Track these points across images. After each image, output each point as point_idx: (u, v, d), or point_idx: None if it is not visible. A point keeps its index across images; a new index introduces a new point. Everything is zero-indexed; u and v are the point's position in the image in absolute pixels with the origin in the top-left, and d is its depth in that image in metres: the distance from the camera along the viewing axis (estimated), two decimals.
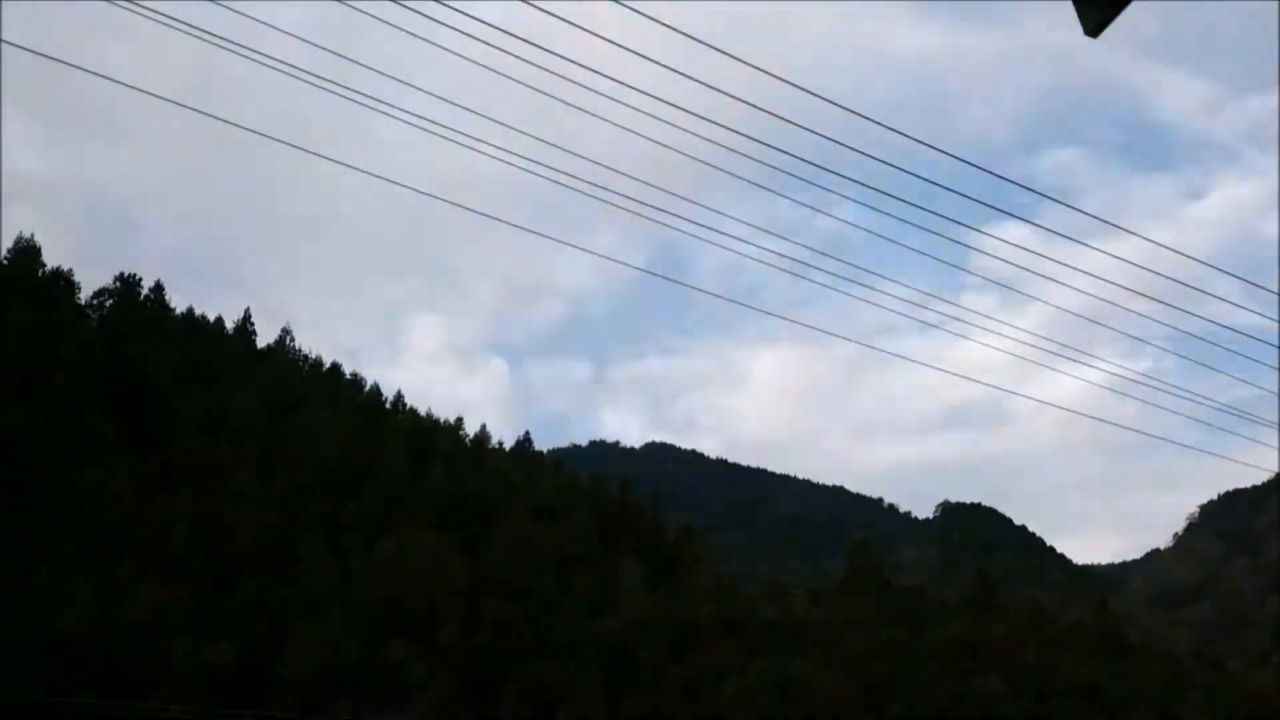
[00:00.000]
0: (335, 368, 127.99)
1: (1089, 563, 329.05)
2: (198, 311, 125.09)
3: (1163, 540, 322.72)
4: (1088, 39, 7.51)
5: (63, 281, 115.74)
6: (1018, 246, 16.25)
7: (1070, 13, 7.39)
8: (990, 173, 15.26)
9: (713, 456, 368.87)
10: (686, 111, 13.95)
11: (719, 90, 12.74)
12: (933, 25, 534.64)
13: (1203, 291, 16.92)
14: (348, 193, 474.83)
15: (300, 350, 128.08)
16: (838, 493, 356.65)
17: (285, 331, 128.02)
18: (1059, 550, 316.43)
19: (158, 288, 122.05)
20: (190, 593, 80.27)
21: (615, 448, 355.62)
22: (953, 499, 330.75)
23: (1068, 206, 15.78)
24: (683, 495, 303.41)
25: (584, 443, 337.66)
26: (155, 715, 67.55)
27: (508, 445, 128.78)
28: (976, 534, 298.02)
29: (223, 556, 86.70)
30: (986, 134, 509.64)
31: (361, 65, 14.40)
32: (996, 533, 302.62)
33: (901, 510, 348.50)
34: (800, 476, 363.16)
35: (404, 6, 12.22)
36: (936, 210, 15.57)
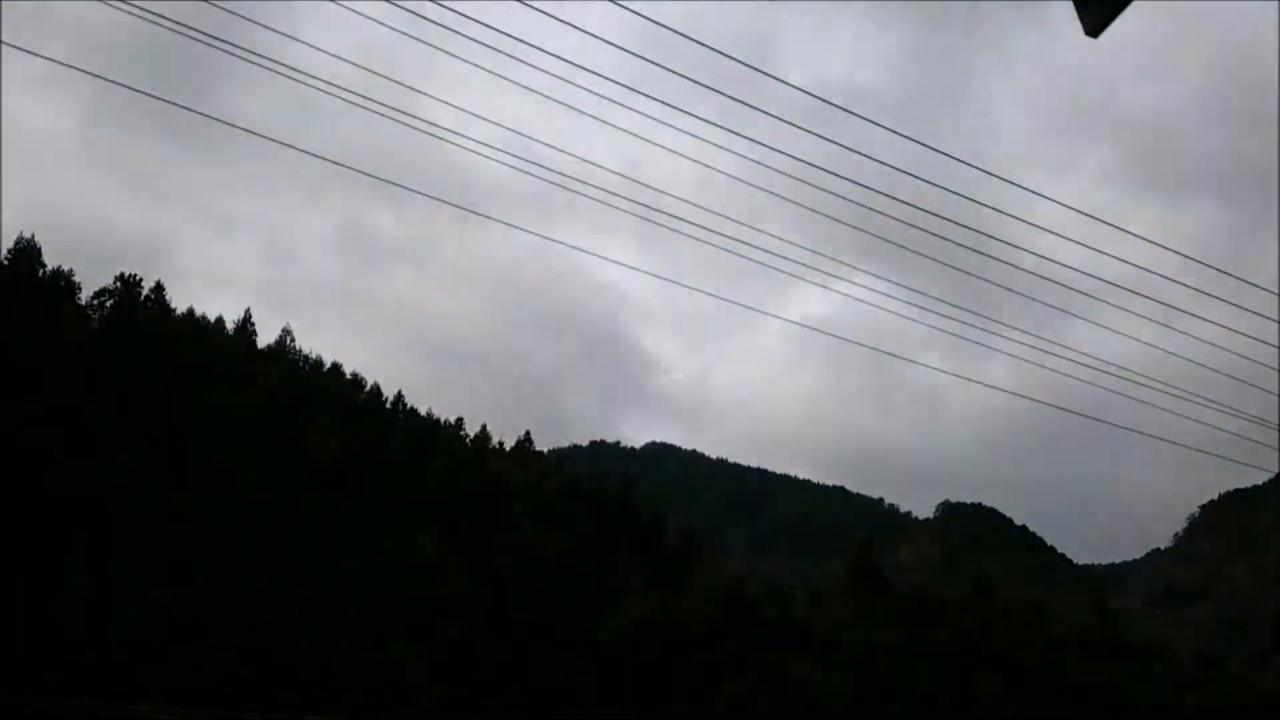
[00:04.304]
0: (335, 368, 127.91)
1: (1089, 563, 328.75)
2: (198, 312, 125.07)
3: (1163, 540, 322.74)
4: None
5: (63, 281, 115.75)
6: (1001, 241, 16.23)
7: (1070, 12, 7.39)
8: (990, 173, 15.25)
9: (713, 456, 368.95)
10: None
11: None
12: None
13: (1200, 291, 16.92)
14: None
15: (300, 350, 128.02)
16: (838, 493, 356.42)
17: (285, 332, 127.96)
18: (1059, 550, 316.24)
19: (158, 288, 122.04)
20: (190, 593, 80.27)
21: (615, 448, 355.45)
22: (953, 499, 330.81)
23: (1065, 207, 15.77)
24: (683, 495, 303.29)
25: (584, 443, 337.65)
26: (155, 716, 67.49)
27: (508, 445, 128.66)
28: (976, 534, 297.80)
29: (223, 556, 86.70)
30: None
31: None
32: (996, 533, 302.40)
33: (902, 510, 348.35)
34: (800, 476, 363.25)
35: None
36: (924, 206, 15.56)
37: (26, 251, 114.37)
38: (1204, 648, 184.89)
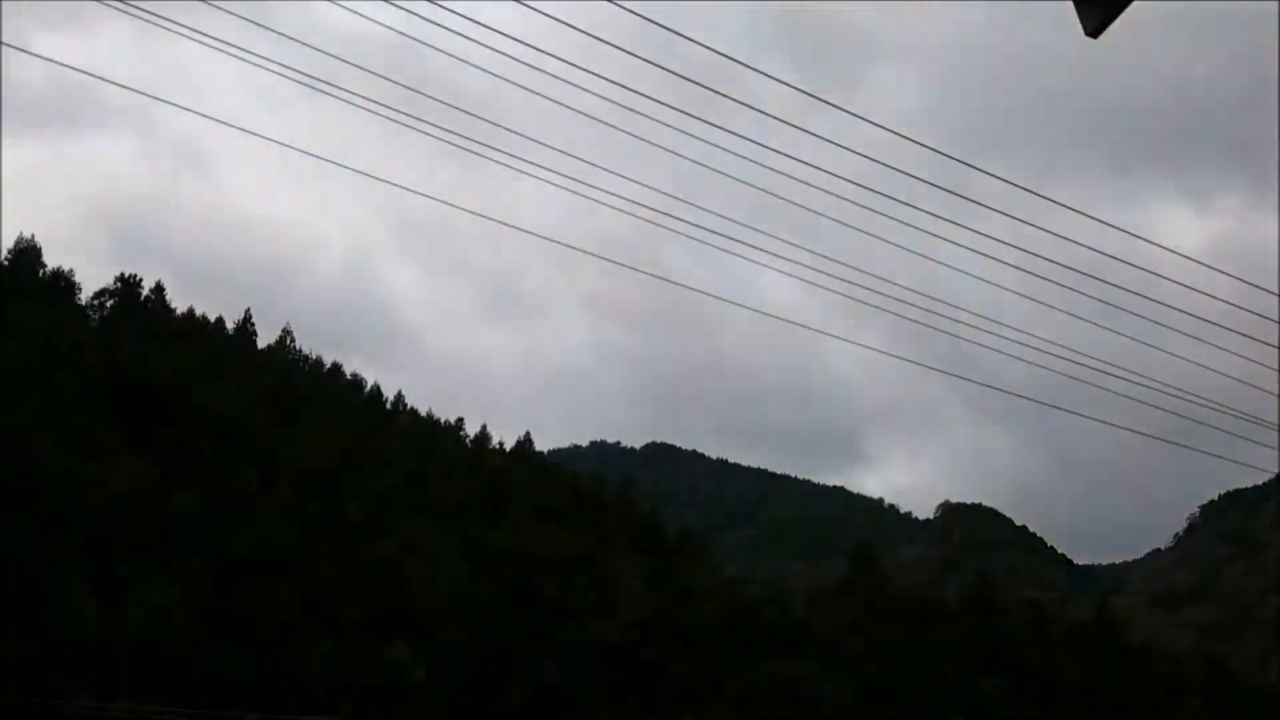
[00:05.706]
0: (335, 368, 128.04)
1: (1089, 563, 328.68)
2: (198, 312, 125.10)
3: (1163, 540, 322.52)
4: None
5: (63, 282, 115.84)
6: (1007, 244, 16.24)
7: (1071, 13, 7.38)
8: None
9: (713, 456, 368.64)
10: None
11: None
12: None
13: (1200, 291, 16.92)
14: None
15: (300, 350, 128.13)
16: (838, 493, 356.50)
17: (285, 332, 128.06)
18: (1059, 550, 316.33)
19: (158, 288, 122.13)
20: (190, 593, 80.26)
21: (615, 448, 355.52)
22: (953, 499, 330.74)
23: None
24: (683, 495, 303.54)
25: (584, 443, 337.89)
26: (155, 717, 67.53)
27: (508, 445, 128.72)
28: (976, 534, 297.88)
29: (223, 556, 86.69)
30: None
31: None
32: (996, 533, 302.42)
33: (901, 510, 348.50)
34: (800, 476, 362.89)
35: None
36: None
37: (26, 252, 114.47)
38: (1204, 648, 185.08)
